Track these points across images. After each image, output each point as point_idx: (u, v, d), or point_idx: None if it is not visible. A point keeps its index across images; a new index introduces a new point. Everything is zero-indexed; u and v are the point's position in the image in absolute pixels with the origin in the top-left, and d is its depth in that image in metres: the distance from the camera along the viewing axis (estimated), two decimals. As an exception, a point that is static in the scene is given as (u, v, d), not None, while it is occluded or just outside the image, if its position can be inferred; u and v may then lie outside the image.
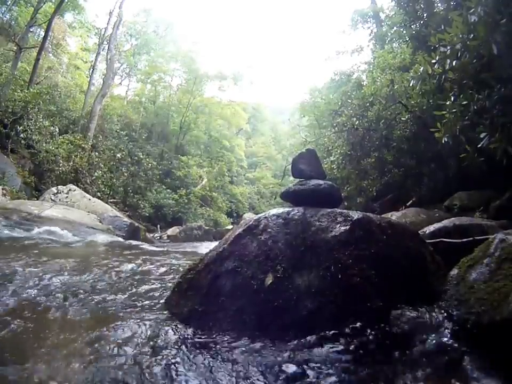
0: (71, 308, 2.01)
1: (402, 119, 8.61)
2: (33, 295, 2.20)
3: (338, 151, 10.47)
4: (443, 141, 4.43)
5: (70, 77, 20.72)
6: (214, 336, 1.62)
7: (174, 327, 1.76)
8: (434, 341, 1.40)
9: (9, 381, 1.29)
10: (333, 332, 1.51)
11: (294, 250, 1.80)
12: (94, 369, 1.37)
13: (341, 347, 1.43)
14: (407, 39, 10.40)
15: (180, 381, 1.31)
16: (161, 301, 2.13)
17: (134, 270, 3.20)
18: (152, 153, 20.07)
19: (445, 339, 1.39)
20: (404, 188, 8.71)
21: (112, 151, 14.74)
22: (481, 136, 3.82)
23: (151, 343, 1.58)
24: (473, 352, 1.29)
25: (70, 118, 15.32)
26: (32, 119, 10.80)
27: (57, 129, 12.41)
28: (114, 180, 13.68)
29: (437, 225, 3.44)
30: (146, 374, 1.34)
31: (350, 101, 11.00)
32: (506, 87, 3.73)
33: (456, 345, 1.35)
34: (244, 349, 1.50)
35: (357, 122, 9.78)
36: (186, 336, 1.66)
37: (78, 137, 13.45)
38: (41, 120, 11.25)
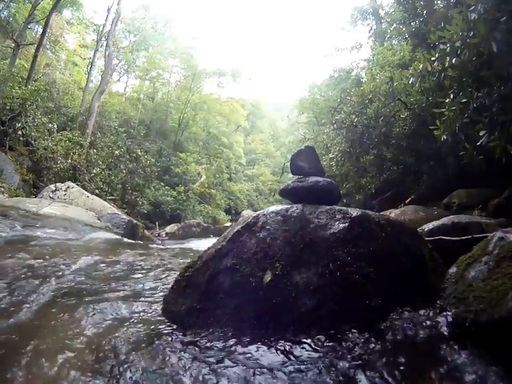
0: (69, 306, 2.01)
1: (402, 116, 8.62)
2: (32, 294, 2.19)
3: (337, 148, 10.48)
4: (442, 139, 4.45)
5: (68, 73, 20.64)
6: (212, 333, 1.62)
7: (172, 324, 1.76)
8: (432, 339, 1.40)
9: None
10: (331, 329, 1.51)
11: (293, 248, 1.79)
12: (90, 367, 1.36)
13: (340, 345, 1.43)
14: (407, 36, 10.38)
15: (178, 380, 1.31)
16: (160, 299, 2.12)
17: (132, 268, 3.20)
18: (151, 150, 20.01)
19: (443, 337, 1.39)
20: (402, 186, 8.73)
21: (110, 148, 14.67)
22: (481, 134, 3.83)
23: (149, 340, 1.58)
24: (472, 351, 1.29)
25: (68, 115, 15.22)
26: (30, 116, 10.74)
27: (55, 126, 12.34)
28: (113, 177, 13.63)
29: (435, 223, 3.44)
30: (144, 373, 1.34)
31: (349, 98, 10.99)
32: (506, 85, 3.73)
33: (454, 343, 1.35)
34: (242, 346, 1.50)
35: (356, 119, 9.77)
36: (184, 334, 1.65)
37: (76, 134, 13.37)
38: (39, 117, 11.19)
